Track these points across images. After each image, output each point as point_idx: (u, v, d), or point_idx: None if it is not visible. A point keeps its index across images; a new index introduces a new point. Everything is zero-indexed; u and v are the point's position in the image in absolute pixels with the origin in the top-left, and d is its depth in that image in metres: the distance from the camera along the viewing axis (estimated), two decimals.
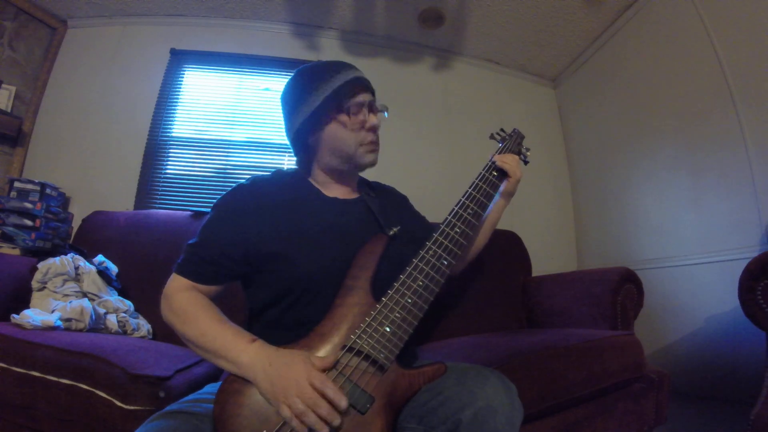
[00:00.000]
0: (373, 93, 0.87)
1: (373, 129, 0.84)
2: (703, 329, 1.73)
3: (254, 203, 0.78)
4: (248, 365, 0.62)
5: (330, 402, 0.57)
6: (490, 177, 0.89)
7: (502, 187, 1.02)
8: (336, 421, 0.57)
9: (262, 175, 0.88)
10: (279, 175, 0.89)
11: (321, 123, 0.82)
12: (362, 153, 0.84)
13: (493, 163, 0.94)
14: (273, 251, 0.74)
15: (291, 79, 0.87)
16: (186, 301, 0.71)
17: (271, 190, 0.82)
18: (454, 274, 1.09)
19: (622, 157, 2.28)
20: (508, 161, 0.96)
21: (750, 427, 0.99)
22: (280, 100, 0.89)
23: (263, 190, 0.82)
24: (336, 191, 0.88)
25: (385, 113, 0.88)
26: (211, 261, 0.75)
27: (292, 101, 0.85)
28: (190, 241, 0.77)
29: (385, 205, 0.94)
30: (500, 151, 1.00)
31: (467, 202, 0.82)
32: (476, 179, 0.87)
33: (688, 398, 1.71)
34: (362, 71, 0.87)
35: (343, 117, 0.81)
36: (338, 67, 0.84)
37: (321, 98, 0.80)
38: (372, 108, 0.85)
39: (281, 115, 0.89)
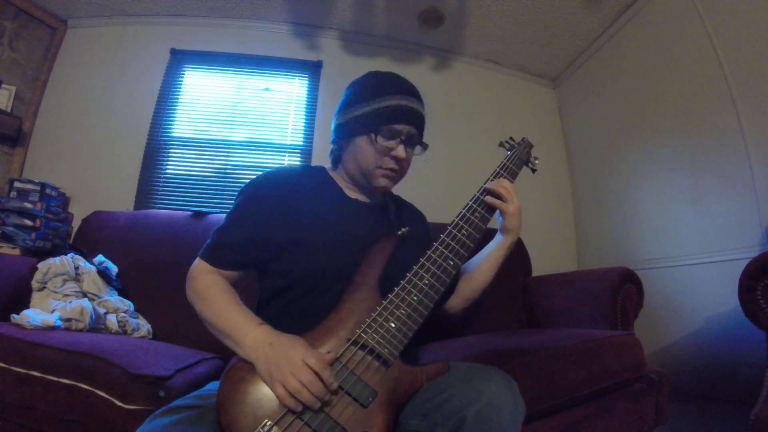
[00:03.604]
0: (418, 127, 0.86)
1: (396, 159, 0.84)
2: (703, 329, 1.73)
3: (279, 191, 0.82)
4: (251, 346, 0.64)
5: (323, 382, 0.59)
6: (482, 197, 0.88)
7: (500, 220, 0.91)
8: (326, 397, 0.59)
9: (291, 167, 0.91)
10: (307, 169, 0.93)
11: (354, 132, 0.85)
12: (378, 175, 0.85)
13: (482, 192, 0.87)
14: (291, 239, 0.78)
15: (361, 78, 0.91)
16: (207, 283, 0.76)
17: (296, 182, 0.86)
18: (456, 311, 1.01)
19: (622, 157, 2.28)
20: (502, 192, 0.86)
21: (750, 427, 0.99)
22: (345, 88, 0.94)
23: (289, 181, 0.86)
24: (357, 194, 0.92)
25: (424, 151, 0.89)
26: (235, 246, 0.79)
27: (345, 100, 0.90)
28: (217, 227, 0.82)
29: (402, 212, 0.98)
30: (502, 167, 0.93)
31: (474, 205, 0.84)
32: (477, 193, 0.88)
33: (688, 398, 1.71)
34: (419, 102, 0.87)
35: (373, 135, 0.83)
36: (396, 89, 0.85)
37: (362, 111, 0.84)
38: (409, 140, 0.85)
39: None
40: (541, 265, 1.91)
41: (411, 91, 0.87)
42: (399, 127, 0.83)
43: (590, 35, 2.43)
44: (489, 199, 0.85)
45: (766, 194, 1.54)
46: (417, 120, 0.86)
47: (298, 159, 2.36)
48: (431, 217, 1.17)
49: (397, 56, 2.60)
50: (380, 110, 0.82)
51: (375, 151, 0.83)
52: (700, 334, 1.74)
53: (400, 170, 0.87)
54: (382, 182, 0.86)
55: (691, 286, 1.82)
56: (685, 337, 1.81)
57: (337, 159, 0.94)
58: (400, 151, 0.83)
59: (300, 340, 0.65)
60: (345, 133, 0.88)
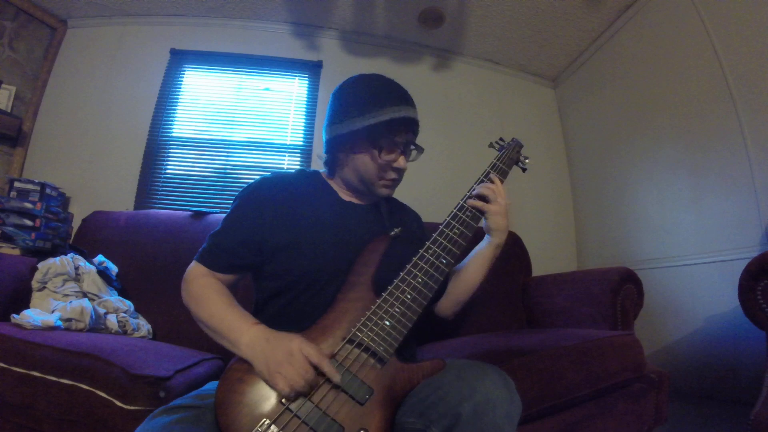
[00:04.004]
0: (415, 133, 0.88)
1: (398, 170, 0.86)
2: (703, 329, 1.73)
3: (275, 196, 0.83)
4: (247, 344, 0.65)
5: (325, 373, 0.60)
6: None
7: (484, 221, 0.90)
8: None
9: (286, 171, 0.92)
10: (302, 174, 0.94)
11: (354, 147, 0.85)
12: (380, 185, 0.87)
13: (471, 192, 0.87)
14: (288, 240, 0.79)
15: (350, 84, 0.88)
16: (202, 286, 0.77)
17: (292, 185, 0.87)
18: (447, 315, 1.01)
19: (622, 156, 2.28)
20: (486, 193, 0.86)
21: (750, 427, 0.99)
22: (332, 94, 0.90)
23: (285, 184, 0.87)
24: (352, 197, 0.93)
25: (419, 154, 0.90)
26: (230, 250, 0.80)
27: (338, 110, 0.86)
28: (213, 231, 0.82)
29: (395, 213, 0.99)
30: (492, 166, 0.93)
31: (465, 204, 0.85)
32: (468, 192, 0.89)
33: (688, 398, 1.71)
34: (413, 109, 0.86)
35: (375, 152, 0.83)
36: (394, 99, 0.83)
37: (363, 125, 0.81)
38: (407, 147, 0.86)
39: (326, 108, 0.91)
40: (541, 265, 1.91)
41: (406, 99, 0.85)
42: (400, 138, 0.84)
43: (590, 35, 2.42)
44: (470, 201, 0.86)
45: (766, 194, 1.54)
46: (415, 127, 0.87)
47: (298, 159, 2.36)
48: (432, 218, 1.17)
49: (397, 56, 2.59)
50: (380, 125, 0.81)
51: (377, 165, 0.84)
52: (700, 334, 1.74)
53: (400, 178, 0.89)
54: (384, 191, 0.89)
55: (691, 286, 1.82)
56: (685, 337, 1.81)
57: (332, 169, 0.92)
58: (402, 162, 0.85)
59: (296, 334, 0.66)
60: (343, 147, 0.86)
